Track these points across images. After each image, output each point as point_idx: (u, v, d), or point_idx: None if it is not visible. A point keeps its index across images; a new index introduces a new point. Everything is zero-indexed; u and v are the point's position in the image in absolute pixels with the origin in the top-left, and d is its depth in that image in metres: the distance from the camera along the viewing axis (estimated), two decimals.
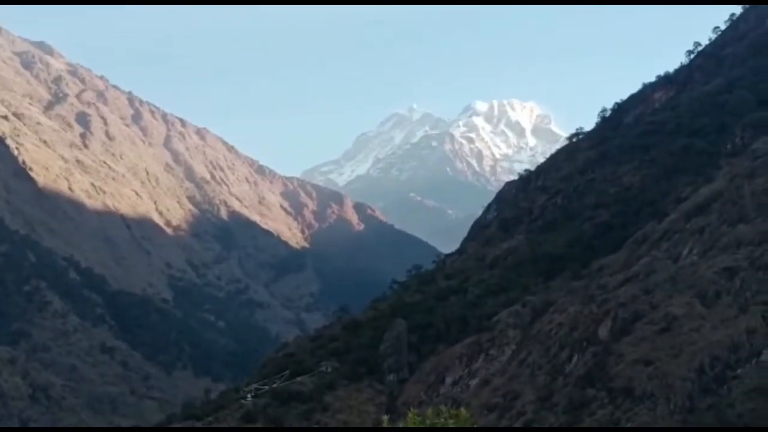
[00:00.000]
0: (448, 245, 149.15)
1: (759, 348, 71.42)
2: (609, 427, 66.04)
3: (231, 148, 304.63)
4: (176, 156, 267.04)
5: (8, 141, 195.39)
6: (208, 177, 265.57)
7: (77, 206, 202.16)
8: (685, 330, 74.39)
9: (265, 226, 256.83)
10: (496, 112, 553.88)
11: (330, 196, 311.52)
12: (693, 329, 74.12)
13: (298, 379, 78.17)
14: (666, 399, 68.17)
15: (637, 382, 70.73)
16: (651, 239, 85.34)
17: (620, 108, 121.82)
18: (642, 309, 76.37)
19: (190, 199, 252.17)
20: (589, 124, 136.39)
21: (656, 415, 68.77)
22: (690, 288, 77.58)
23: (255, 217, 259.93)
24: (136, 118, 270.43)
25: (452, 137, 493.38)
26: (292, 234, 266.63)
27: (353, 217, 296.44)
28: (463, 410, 12.94)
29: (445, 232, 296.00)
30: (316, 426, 77.76)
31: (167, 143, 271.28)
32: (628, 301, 77.83)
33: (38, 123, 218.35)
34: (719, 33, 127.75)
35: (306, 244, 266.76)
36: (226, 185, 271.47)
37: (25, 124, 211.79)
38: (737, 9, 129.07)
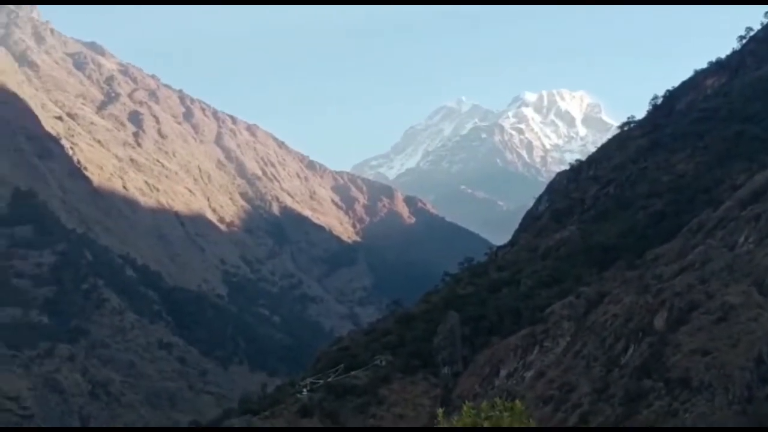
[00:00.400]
0: (500, 237, 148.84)
1: None
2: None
3: (281, 144, 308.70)
4: (228, 153, 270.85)
5: (63, 141, 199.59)
6: (259, 173, 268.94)
7: (132, 204, 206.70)
8: (743, 319, 74.02)
9: (316, 221, 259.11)
10: (545, 102, 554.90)
11: (380, 190, 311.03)
12: (751, 318, 73.78)
13: (353, 373, 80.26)
14: (724, 389, 67.83)
15: (694, 373, 70.72)
16: (706, 228, 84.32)
17: (671, 95, 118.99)
18: (698, 298, 76.00)
19: (243, 195, 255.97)
20: (640, 112, 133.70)
21: (714, 406, 68.41)
22: (747, 276, 77.23)
23: (306, 212, 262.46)
24: (188, 116, 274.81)
25: (502, 128, 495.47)
26: (343, 228, 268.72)
27: (404, 210, 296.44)
28: (518, 402, 12.90)
29: (496, 223, 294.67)
30: (371, 420, 79.62)
31: (218, 140, 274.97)
32: (684, 290, 77.42)
33: (92, 123, 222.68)
34: None
35: (358, 238, 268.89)
36: (278, 181, 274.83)
37: (78, 124, 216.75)
38: None
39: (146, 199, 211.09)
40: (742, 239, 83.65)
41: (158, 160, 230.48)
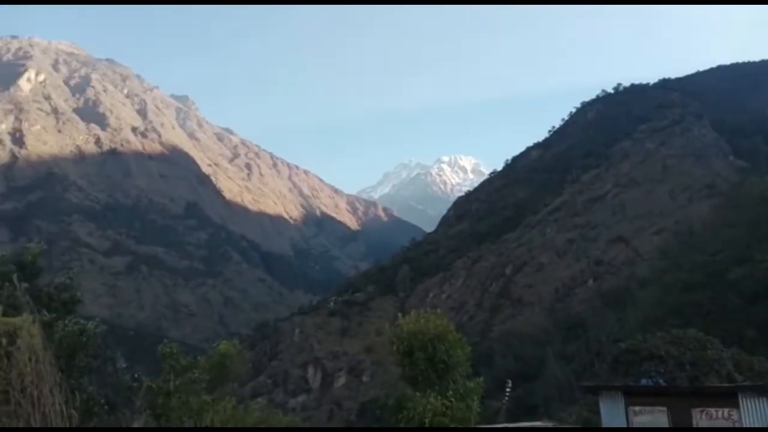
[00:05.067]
0: (430, 228, 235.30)
1: (585, 278, 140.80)
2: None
3: (320, 179, 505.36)
4: (294, 184, 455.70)
5: (211, 177, 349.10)
6: (309, 194, 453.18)
7: (245, 209, 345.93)
8: (548, 270, 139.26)
9: (338, 218, 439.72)
10: (453, 160, 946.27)
11: (370, 203, 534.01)
12: (551, 270, 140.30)
13: (355, 294, 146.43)
14: (539, 304, 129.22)
15: (524, 296, 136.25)
16: (531, 224, 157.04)
17: (514, 158, 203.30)
18: (526, 259, 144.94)
19: (302, 205, 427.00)
20: (499, 166, 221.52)
21: (534, 313, 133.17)
22: (550, 249, 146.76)
23: (332, 214, 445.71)
24: (273, 165, 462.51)
25: (430, 174, 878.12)
26: (351, 223, 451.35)
27: (381, 213, 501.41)
28: (438, 310, 19.00)
29: (427, 222, 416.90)
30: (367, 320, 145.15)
31: (289, 177, 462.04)
32: (520, 256, 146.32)
33: (226, 168, 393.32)
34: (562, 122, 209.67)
35: (359, 227, 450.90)
36: (319, 198, 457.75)
37: (219, 169, 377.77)
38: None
39: (253, 206, 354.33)
40: (548, 230, 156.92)
41: (259, 188, 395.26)
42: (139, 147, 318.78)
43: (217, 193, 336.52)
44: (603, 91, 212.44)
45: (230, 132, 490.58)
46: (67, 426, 7.36)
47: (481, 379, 20.81)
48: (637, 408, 20.16)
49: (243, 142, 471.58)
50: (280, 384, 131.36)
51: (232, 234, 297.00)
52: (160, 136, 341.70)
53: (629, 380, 24.49)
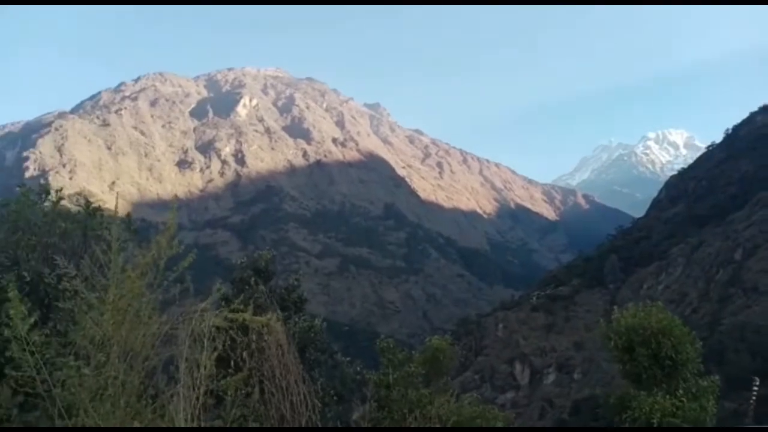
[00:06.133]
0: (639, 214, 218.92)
1: None
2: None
3: (513, 171, 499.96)
4: (486, 178, 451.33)
5: (405, 178, 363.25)
6: (502, 188, 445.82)
7: (440, 207, 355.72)
8: None
9: (534, 209, 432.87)
10: (660, 136, 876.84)
11: (568, 191, 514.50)
12: None
13: (560, 288, 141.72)
14: None
15: (760, 283, 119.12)
16: (764, 200, 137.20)
17: (736, 127, 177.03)
18: (759, 241, 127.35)
19: (496, 199, 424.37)
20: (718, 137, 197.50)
21: None
22: None
23: (528, 205, 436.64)
24: (464, 160, 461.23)
25: (635, 153, 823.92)
26: (549, 213, 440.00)
27: (582, 201, 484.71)
28: (659, 303, 15.21)
29: (635, 207, 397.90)
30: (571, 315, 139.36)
31: (480, 172, 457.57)
32: (751, 237, 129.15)
33: (419, 169, 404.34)
34: None
35: (557, 218, 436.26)
36: (512, 191, 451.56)
37: (412, 170, 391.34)
38: None
39: (446, 203, 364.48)
40: None
41: (451, 185, 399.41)
42: (340, 156, 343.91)
43: (412, 193, 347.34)
44: None
45: (420, 133, 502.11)
46: (312, 413, 8.09)
47: (717, 377, 18.75)
48: None
49: (433, 142, 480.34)
50: (487, 379, 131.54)
51: (429, 231, 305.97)
52: (357, 144, 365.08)
53: None
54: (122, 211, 9.71)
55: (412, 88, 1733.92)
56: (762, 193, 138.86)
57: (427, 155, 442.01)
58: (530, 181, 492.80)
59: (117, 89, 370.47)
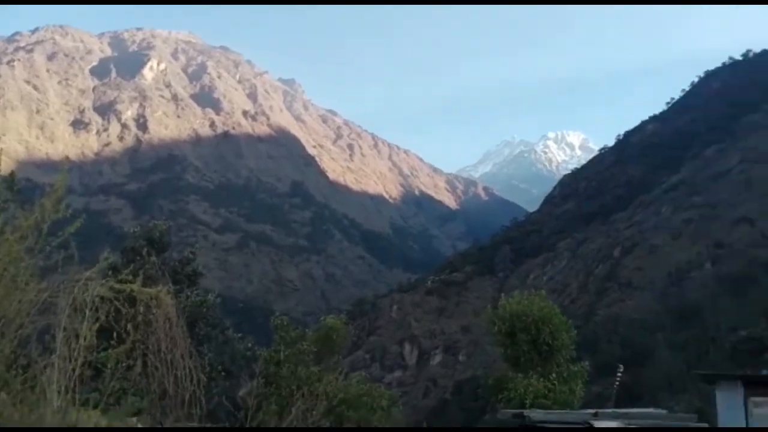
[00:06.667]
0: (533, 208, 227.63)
1: (702, 261, 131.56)
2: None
3: (420, 159, 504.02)
4: (394, 163, 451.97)
5: (315, 158, 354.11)
6: (409, 174, 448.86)
7: (347, 189, 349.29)
8: (663, 252, 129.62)
9: (437, 197, 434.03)
10: (558, 137, 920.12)
11: (470, 182, 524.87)
12: (666, 252, 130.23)
13: (454, 273, 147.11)
14: (650, 288, 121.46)
15: (634, 280, 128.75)
16: (644, 203, 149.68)
17: (627, 134, 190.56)
18: (636, 241, 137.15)
19: (402, 185, 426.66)
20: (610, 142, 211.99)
21: (643, 298, 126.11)
22: (667, 229, 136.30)
23: (431, 193, 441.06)
24: (375, 145, 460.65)
25: (535, 151, 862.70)
26: (450, 202, 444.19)
27: (482, 192, 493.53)
28: (542, 292, 20.33)
29: (530, 201, 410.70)
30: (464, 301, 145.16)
31: (389, 157, 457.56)
32: (630, 237, 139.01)
33: (329, 149, 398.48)
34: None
35: (458, 207, 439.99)
36: (418, 178, 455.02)
37: (323, 150, 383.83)
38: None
39: (354, 186, 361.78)
40: (664, 209, 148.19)
41: (360, 168, 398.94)
42: (250, 130, 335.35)
43: (321, 173, 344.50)
44: (730, 58, 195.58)
45: (334, 114, 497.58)
46: (197, 388, 8.11)
47: (586, 363, 20.42)
48: (758, 399, 18.88)
49: (346, 124, 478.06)
50: (377, 359, 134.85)
51: (335, 213, 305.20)
52: (268, 118, 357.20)
53: (748, 370, 22.93)
54: (5, 170, 9.12)
55: (330, 67, 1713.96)
56: (643, 197, 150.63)
57: (339, 136, 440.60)
58: (436, 170, 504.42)
59: (11, 39, 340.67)
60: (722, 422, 19.47)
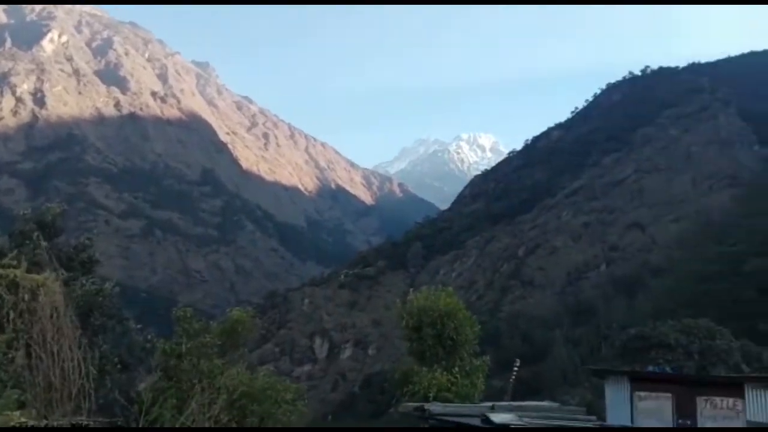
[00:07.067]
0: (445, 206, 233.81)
1: (598, 263, 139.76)
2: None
3: (336, 151, 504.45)
4: (310, 156, 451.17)
5: (229, 145, 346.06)
6: (326, 167, 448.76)
7: (261, 179, 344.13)
8: (561, 254, 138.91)
9: (353, 192, 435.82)
10: (471, 138, 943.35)
11: (386, 178, 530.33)
12: (565, 254, 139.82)
13: (367, 268, 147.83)
14: (550, 287, 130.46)
15: (536, 279, 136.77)
16: (547, 206, 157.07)
17: (534, 139, 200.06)
18: (540, 242, 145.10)
19: (318, 178, 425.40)
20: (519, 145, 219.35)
21: (544, 296, 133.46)
22: (565, 232, 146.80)
23: (347, 187, 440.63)
24: (292, 136, 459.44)
25: (449, 151, 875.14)
26: (366, 197, 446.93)
27: (396, 189, 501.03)
28: (449, 288, 20.71)
29: (443, 199, 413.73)
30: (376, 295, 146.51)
31: (306, 149, 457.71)
32: (533, 238, 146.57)
33: (243, 137, 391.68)
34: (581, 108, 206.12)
35: (373, 202, 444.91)
36: (335, 171, 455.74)
37: (237, 137, 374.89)
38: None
39: (268, 176, 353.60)
40: (564, 213, 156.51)
41: (276, 158, 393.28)
42: (158, 112, 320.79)
43: (234, 161, 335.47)
44: (630, 72, 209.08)
45: (250, 101, 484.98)
46: (86, 381, 7.62)
47: (488, 357, 21.10)
48: (642, 393, 20.30)
49: (262, 112, 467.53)
50: (287, 353, 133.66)
51: (247, 203, 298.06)
52: (179, 101, 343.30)
53: (636, 366, 24.62)
54: None
55: (247, 53, 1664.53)
56: (548, 200, 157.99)
57: (254, 124, 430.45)
58: (353, 164, 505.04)
59: None
60: (610, 414, 20.81)
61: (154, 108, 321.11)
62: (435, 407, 11.07)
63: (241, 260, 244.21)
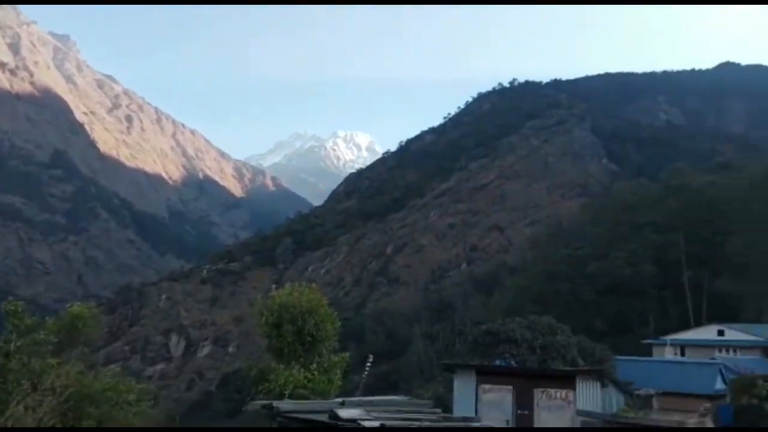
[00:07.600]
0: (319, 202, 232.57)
1: (460, 262, 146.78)
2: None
3: (206, 140, 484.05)
4: (177, 142, 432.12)
5: (86, 126, 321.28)
6: (194, 156, 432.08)
7: (121, 164, 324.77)
8: (428, 252, 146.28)
9: (223, 184, 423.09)
10: (348, 136, 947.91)
11: (259, 171, 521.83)
12: (429, 252, 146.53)
13: (231, 264, 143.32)
14: (414, 284, 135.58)
15: (401, 276, 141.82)
16: (416, 206, 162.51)
17: (408, 141, 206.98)
18: (408, 240, 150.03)
19: (184, 166, 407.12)
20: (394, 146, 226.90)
21: (410, 292, 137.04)
22: (430, 231, 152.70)
23: (216, 178, 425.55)
24: (158, 120, 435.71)
25: (325, 147, 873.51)
26: (236, 190, 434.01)
27: (269, 183, 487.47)
28: (313, 285, 20.21)
29: (318, 195, 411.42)
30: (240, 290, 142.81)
31: (173, 135, 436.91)
32: (402, 236, 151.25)
33: (104, 118, 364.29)
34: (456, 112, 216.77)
35: (244, 195, 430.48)
36: (203, 160, 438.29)
37: (96, 118, 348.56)
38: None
39: (129, 162, 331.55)
40: (432, 213, 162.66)
41: (139, 143, 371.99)
42: (7, 85, 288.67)
43: (91, 144, 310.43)
44: (500, 84, 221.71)
45: (113, 80, 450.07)
46: None
47: (347, 354, 21.29)
48: (486, 386, 21.57)
49: (126, 93, 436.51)
50: (138, 351, 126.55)
51: (103, 189, 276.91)
52: (32, 75, 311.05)
53: (486, 361, 26.13)
54: None
55: (114, 28, 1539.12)
56: (417, 200, 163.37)
57: (116, 105, 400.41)
58: (223, 155, 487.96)
59: None
60: (456, 406, 21.89)
61: (2, 80, 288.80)
62: (283, 405, 10.93)
63: (93, 251, 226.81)
